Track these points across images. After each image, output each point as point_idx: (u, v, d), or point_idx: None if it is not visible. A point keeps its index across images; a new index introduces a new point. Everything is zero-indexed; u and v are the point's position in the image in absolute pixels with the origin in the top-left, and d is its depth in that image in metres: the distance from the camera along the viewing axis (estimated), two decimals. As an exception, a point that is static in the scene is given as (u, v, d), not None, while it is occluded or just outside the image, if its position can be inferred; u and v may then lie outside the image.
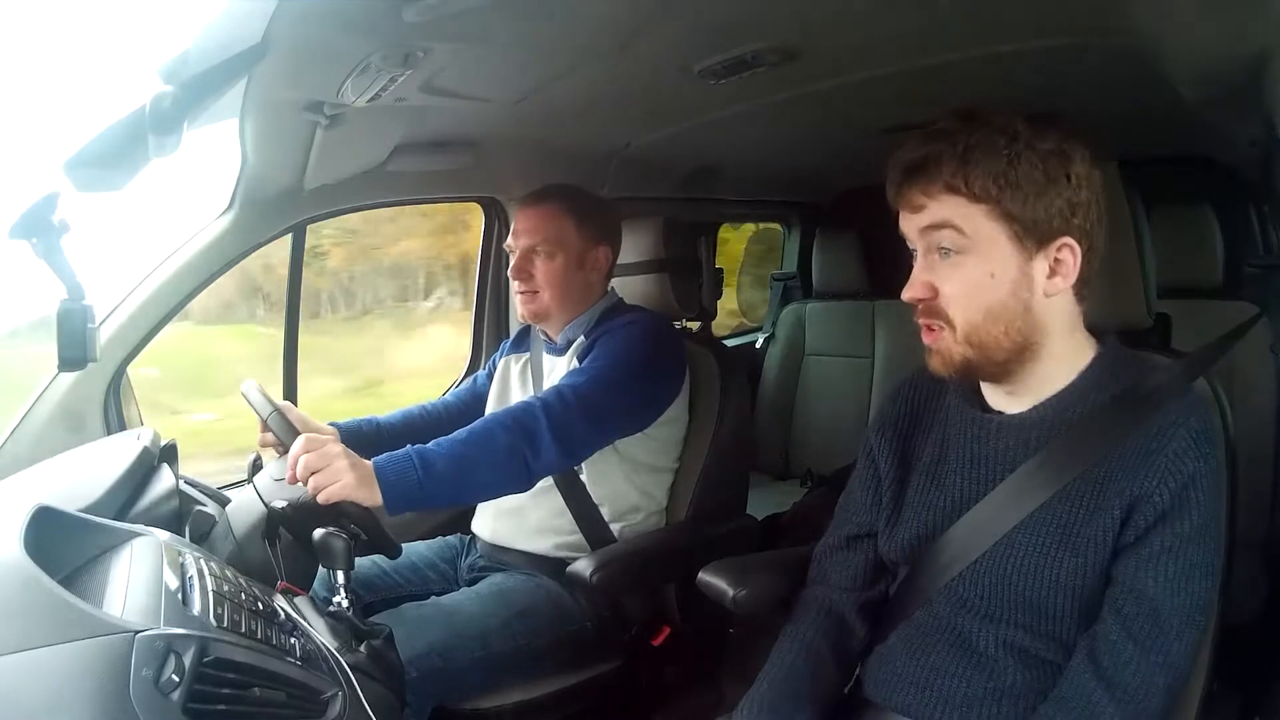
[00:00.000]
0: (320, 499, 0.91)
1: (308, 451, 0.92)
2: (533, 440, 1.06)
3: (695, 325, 1.53)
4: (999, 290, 0.72)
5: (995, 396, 0.81)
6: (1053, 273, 0.72)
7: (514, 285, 1.30)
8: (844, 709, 0.88)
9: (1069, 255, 0.71)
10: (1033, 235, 0.70)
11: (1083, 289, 0.75)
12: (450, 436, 1.04)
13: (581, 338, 1.29)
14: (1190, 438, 0.71)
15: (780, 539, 1.79)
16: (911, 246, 0.77)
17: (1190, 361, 0.78)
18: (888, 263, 0.80)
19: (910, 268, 0.77)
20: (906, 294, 0.75)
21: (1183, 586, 0.70)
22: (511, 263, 1.30)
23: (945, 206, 0.72)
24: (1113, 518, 0.72)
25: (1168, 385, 0.75)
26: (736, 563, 1.05)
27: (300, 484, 0.92)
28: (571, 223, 1.28)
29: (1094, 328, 0.79)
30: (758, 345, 2.47)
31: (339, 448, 0.94)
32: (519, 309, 1.33)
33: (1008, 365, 0.75)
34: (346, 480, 0.92)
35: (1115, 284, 0.82)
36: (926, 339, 0.77)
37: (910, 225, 0.76)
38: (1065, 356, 0.77)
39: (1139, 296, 0.82)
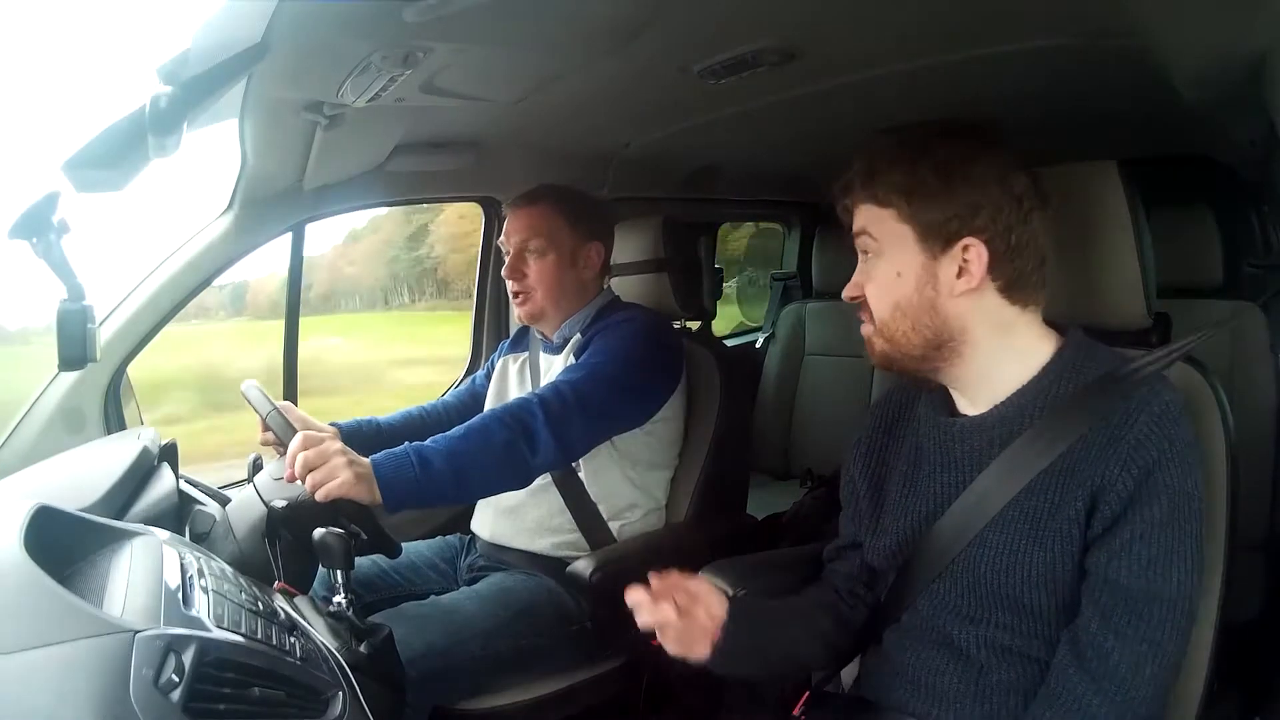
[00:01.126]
0: (318, 496, 0.91)
1: (305, 449, 0.92)
2: (530, 436, 1.06)
3: (695, 325, 1.53)
4: (905, 288, 0.77)
5: (960, 402, 0.83)
6: (961, 272, 0.75)
7: (508, 285, 1.30)
8: (845, 709, 0.89)
9: (974, 255, 0.74)
10: (934, 236, 0.75)
11: (1015, 290, 0.76)
12: (448, 434, 1.04)
13: (578, 335, 1.29)
14: (1153, 421, 0.70)
15: (780, 539, 1.78)
16: None
17: (1164, 351, 0.78)
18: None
19: None
20: (844, 293, 0.83)
21: (1159, 573, 0.69)
22: (505, 262, 1.30)
23: (862, 215, 0.79)
24: (1076, 509, 0.72)
25: (1135, 372, 0.74)
26: (736, 563, 1.05)
27: (299, 482, 0.92)
28: (562, 221, 1.28)
29: (1056, 323, 0.80)
30: (758, 345, 2.47)
31: (337, 445, 0.94)
32: (516, 310, 1.33)
33: (926, 361, 0.79)
34: (344, 477, 0.92)
35: (1115, 284, 0.83)
36: (863, 332, 0.83)
37: None
38: (1012, 356, 0.78)
39: (1139, 296, 0.83)
